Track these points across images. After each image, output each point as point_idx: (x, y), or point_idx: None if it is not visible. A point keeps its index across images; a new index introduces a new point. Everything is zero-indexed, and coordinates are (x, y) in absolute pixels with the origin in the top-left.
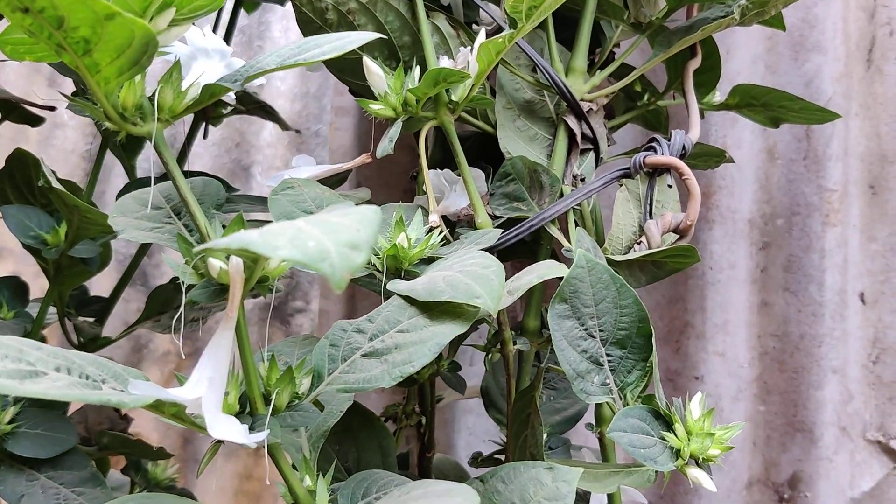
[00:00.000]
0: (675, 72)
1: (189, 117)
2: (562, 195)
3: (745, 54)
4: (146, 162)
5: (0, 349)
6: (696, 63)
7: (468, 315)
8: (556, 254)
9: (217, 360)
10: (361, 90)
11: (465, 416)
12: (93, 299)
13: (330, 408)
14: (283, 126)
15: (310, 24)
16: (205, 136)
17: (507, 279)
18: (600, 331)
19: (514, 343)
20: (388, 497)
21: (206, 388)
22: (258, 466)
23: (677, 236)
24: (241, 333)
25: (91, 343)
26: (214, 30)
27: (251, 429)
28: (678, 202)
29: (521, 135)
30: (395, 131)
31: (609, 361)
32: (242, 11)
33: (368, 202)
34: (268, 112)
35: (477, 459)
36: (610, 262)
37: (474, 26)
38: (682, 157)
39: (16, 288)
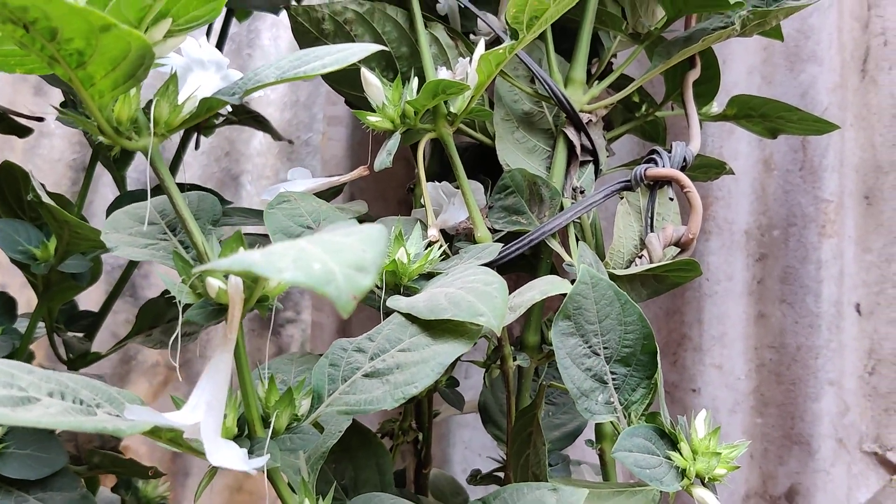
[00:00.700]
0: (673, 83)
1: None
2: (562, 208)
3: (741, 65)
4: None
5: None
6: (695, 74)
7: (471, 333)
8: (556, 267)
9: (215, 383)
10: (357, 101)
11: (460, 431)
12: (82, 314)
13: (329, 428)
14: (276, 136)
15: (306, 35)
16: (196, 147)
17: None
18: (604, 348)
19: (514, 359)
20: None
21: (204, 413)
22: (249, 479)
23: (679, 250)
24: (241, 355)
25: (80, 359)
26: (207, 38)
27: (250, 452)
28: (679, 214)
29: (519, 147)
30: (393, 144)
31: (613, 379)
32: (234, 19)
33: (366, 216)
34: (260, 122)
35: (476, 477)
36: (612, 276)
37: (471, 36)
38: (682, 168)
39: (4, 304)
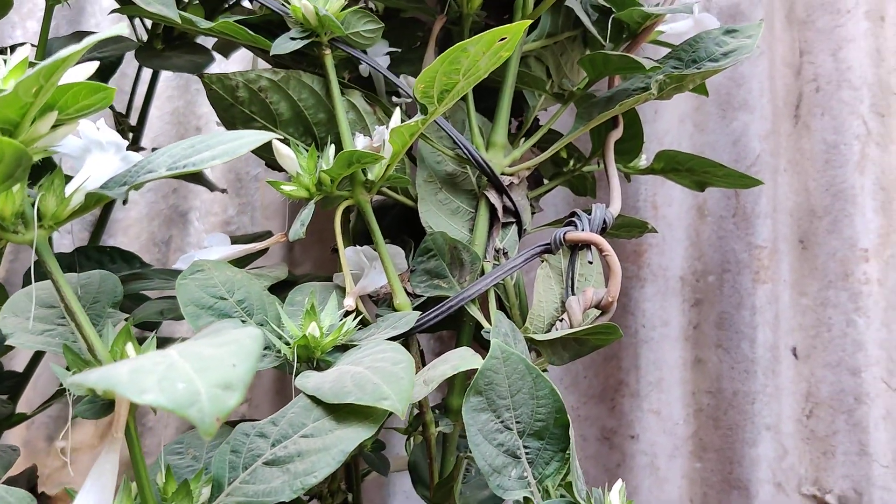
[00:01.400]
0: (598, 139)
1: None
2: (483, 272)
3: (673, 113)
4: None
5: None
6: (617, 134)
7: (376, 416)
8: (479, 327)
9: (101, 486)
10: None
11: (399, 480)
12: (6, 375)
13: None
14: (212, 188)
15: (221, 101)
16: (124, 203)
17: (428, 359)
18: (517, 422)
19: (437, 425)
20: None
21: None
22: None
23: (600, 312)
24: (134, 448)
25: (5, 421)
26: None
27: None
28: (602, 274)
29: (443, 208)
30: (307, 214)
31: (527, 453)
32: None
33: (285, 282)
34: (195, 175)
35: None
36: (532, 341)
37: (394, 98)
38: (602, 230)
39: None
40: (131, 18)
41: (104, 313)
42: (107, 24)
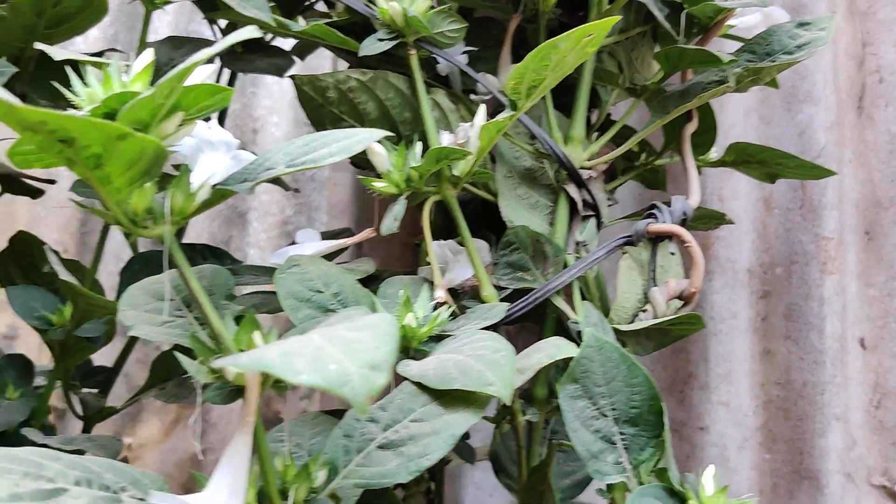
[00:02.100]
0: (671, 133)
1: None
2: (566, 265)
3: (738, 106)
4: None
5: (20, 465)
6: (692, 127)
7: (481, 402)
8: (561, 321)
9: (235, 466)
10: (361, 160)
11: (471, 471)
12: (97, 370)
13: (346, 500)
14: (284, 187)
15: (311, 101)
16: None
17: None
18: (612, 409)
19: (524, 413)
20: None
21: (225, 496)
22: None
23: (682, 302)
24: (259, 435)
25: (97, 415)
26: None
27: None
28: (682, 266)
29: (522, 203)
30: (399, 210)
31: (623, 440)
32: None
33: (369, 277)
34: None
35: None
36: (617, 332)
37: (472, 95)
38: (683, 222)
39: (22, 367)
40: (211, 23)
41: (219, 305)
42: (164, 30)
